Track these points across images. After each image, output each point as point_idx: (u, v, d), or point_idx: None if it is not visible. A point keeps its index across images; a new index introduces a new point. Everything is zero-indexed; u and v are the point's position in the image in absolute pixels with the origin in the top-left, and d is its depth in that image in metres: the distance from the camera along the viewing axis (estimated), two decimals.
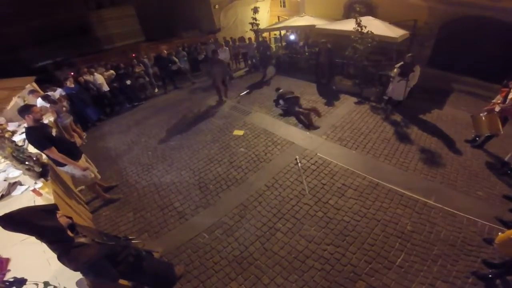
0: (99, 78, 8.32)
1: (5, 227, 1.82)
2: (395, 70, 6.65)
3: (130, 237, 2.76)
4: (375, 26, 7.67)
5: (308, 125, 6.51)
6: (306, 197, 4.46)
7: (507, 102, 4.81)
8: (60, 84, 7.72)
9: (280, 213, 4.24)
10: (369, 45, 7.43)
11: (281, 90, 7.38)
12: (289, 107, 7.00)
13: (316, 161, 5.27)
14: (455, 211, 3.99)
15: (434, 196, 4.25)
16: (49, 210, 2.06)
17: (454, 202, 4.14)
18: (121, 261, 2.40)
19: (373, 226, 3.89)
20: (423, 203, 4.17)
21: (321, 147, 5.71)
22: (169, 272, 3.25)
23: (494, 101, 5.18)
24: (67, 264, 1.99)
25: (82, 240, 2.12)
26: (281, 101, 7.17)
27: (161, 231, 4.21)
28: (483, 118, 4.98)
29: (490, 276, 3.10)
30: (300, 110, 6.81)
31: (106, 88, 8.42)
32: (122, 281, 2.90)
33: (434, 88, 7.88)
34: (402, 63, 6.56)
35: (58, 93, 6.96)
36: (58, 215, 2.05)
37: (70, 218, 2.19)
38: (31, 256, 2.56)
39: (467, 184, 4.51)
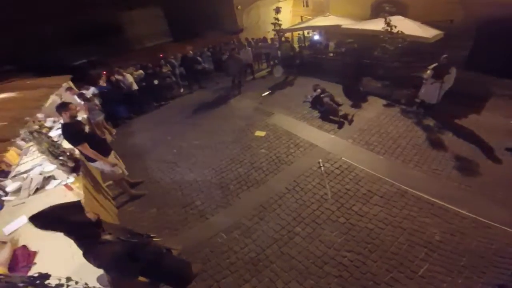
0: (129, 78, 8.70)
1: (37, 225, 1.89)
2: (428, 71, 6.29)
3: (151, 235, 2.82)
4: (405, 25, 7.31)
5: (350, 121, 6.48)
6: (329, 202, 4.33)
7: None
8: (94, 83, 8.17)
9: (300, 217, 4.16)
10: (400, 45, 7.10)
11: (318, 90, 7.29)
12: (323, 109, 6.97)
13: (341, 165, 5.10)
14: (490, 222, 3.68)
15: (468, 206, 3.94)
16: (78, 206, 2.13)
17: (490, 213, 3.82)
18: (141, 258, 2.43)
19: (398, 234, 3.68)
20: (455, 213, 3.89)
21: (347, 151, 5.53)
22: (186, 270, 3.29)
23: None
24: (92, 261, 2.04)
25: (108, 237, 2.19)
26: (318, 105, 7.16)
27: (181, 228, 4.29)
28: None
29: None
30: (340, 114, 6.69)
31: (135, 87, 8.78)
32: (140, 278, 2.97)
33: (471, 92, 7.31)
34: (436, 64, 6.19)
35: (91, 91, 7.37)
36: (86, 211, 2.12)
37: (97, 215, 2.25)
38: (57, 250, 2.60)
39: (505, 195, 4.12)
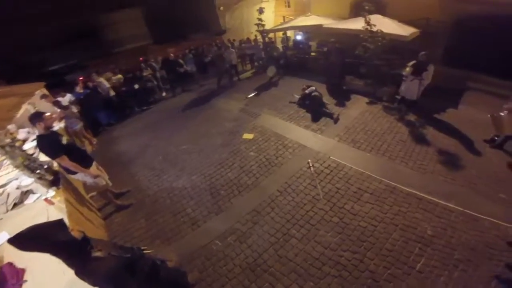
0: (105, 83, 8.36)
1: (19, 247, 1.77)
2: (408, 69, 6.47)
3: (142, 248, 2.74)
4: (384, 24, 7.50)
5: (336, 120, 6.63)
6: (321, 202, 4.35)
7: None
8: (71, 89, 7.78)
9: (294, 218, 4.14)
10: (380, 44, 7.27)
11: (307, 90, 7.37)
12: (312, 105, 7.07)
13: (330, 165, 5.14)
14: (477, 214, 3.83)
15: (454, 199, 4.08)
16: (60, 225, 2.01)
17: (476, 205, 3.97)
18: (138, 272, 2.37)
19: (392, 231, 3.75)
20: (443, 207, 4.01)
21: (334, 149, 5.58)
22: (183, 280, 3.21)
23: None
24: (86, 280, 1.96)
25: (98, 254, 2.08)
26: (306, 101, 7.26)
27: (173, 237, 4.16)
28: (504, 117, 4.79)
29: None
30: (326, 111, 6.87)
31: (112, 93, 8.44)
32: None
33: (448, 87, 7.62)
34: (415, 61, 6.38)
35: (67, 98, 6.99)
36: (70, 229, 2.02)
37: (83, 232, 2.14)
38: (46, 266, 2.50)
39: (488, 186, 4.32)
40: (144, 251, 2.73)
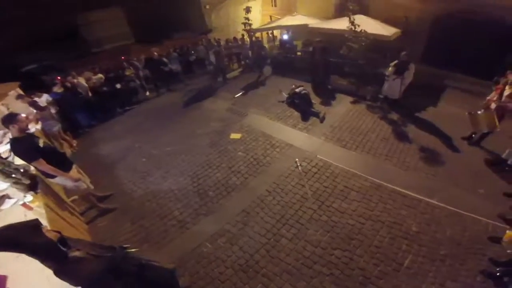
0: (83, 82, 8.05)
1: None
2: (390, 68, 6.65)
3: (125, 246, 2.68)
4: (368, 24, 7.69)
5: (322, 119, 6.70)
6: (309, 201, 4.39)
7: (503, 99, 4.85)
8: (47, 89, 7.42)
9: (283, 218, 4.16)
10: (363, 43, 7.42)
11: (297, 89, 7.41)
12: (301, 104, 7.13)
13: (317, 163, 5.21)
14: (459, 210, 3.99)
15: (437, 196, 4.24)
16: (34, 226, 1.96)
17: (457, 201, 4.14)
18: (123, 272, 2.32)
19: (379, 228, 3.85)
20: (426, 203, 4.16)
21: (321, 148, 5.65)
22: (171, 277, 3.15)
23: (489, 98, 5.22)
24: (66, 280, 1.94)
25: (77, 254, 2.05)
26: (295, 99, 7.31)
27: (162, 241, 4.07)
28: (481, 115, 5.01)
29: (498, 274, 3.11)
30: (313, 111, 6.93)
31: (89, 93, 8.15)
32: None
33: (428, 85, 7.92)
34: (397, 61, 6.56)
35: (44, 98, 6.65)
36: (44, 230, 1.96)
37: (59, 232, 2.08)
38: (29, 273, 2.40)
39: (467, 182, 4.52)
40: (128, 250, 2.66)
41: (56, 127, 6.43)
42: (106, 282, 2.11)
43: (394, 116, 6.73)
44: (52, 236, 1.96)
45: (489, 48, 8.22)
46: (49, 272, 1.96)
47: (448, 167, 4.89)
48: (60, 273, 1.91)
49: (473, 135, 5.55)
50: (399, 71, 6.47)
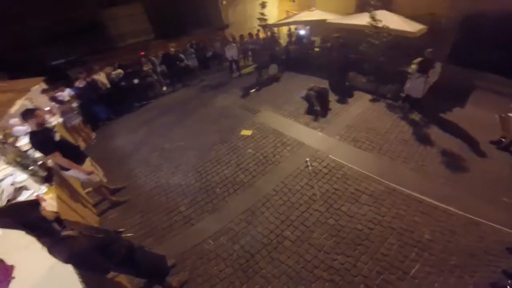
0: (102, 77, 8.33)
1: None
2: (414, 66, 6.27)
3: (120, 230, 2.87)
4: (391, 20, 7.28)
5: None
6: (317, 203, 4.23)
7: None
8: (71, 84, 7.75)
9: (288, 219, 4.04)
10: (385, 40, 7.05)
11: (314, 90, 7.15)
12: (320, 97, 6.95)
13: (328, 164, 5.01)
14: (478, 219, 3.68)
15: (455, 203, 3.92)
16: (32, 203, 2.20)
17: (477, 209, 3.81)
18: (113, 253, 2.47)
19: (388, 234, 3.63)
20: (443, 210, 3.86)
21: (334, 148, 5.44)
22: (161, 263, 3.23)
23: None
24: (57, 256, 2.08)
25: (70, 233, 2.19)
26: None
27: (166, 235, 4.11)
28: None
29: (508, 287, 2.84)
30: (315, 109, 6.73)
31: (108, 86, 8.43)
32: (120, 278, 3.06)
33: (455, 85, 7.37)
34: (421, 59, 6.16)
35: (67, 93, 6.96)
36: (41, 208, 2.15)
37: (56, 212, 2.29)
38: (34, 263, 2.52)
39: (492, 190, 4.13)
40: (123, 234, 2.83)
41: (77, 120, 6.71)
42: (94, 260, 2.26)
43: (416, 116, 6.33)
44: (48, 214, 2.14)
45: None
46: (52, 262, 2.15)
47: (471, 173, 4.51)
48: (53, 250, 2.07)
49: (503, 140, 5.09)
50: (424, 69, 6.07)
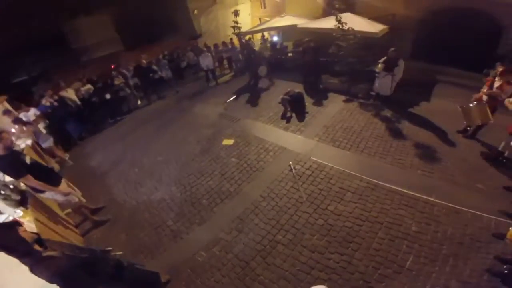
0: (71, 94, 7.94)
1: None
2: (380, 65, 6.62)
3: (107, 249, 2.77)
4: (355, 22, 7.64)
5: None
6: (304, 205, 4.30)
7: (493, 91, 4.83)
8: (36, 102, 7.29)
9: (279, 224, 4.06)
10: (352, 41, 7.38)
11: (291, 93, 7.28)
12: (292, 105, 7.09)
13: (311, 166, 5.12)
14: (458, 207, 3.88)
15: (434, 193, 4.15)
16: (9, 226, 2.24)
17: (456, 198, 4.04)
18: (100, 272, 2.44)
19: (377, 229, 3.76)
20: (424, 201, 4.06)
21: (314, 150, 5.57)
22: (154, 280, 3.18)
23: (482, 90, 5.18)
24: (39, 275, 2.08)
25: (51, 253, 2.20)
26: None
27: (156, 251, 4.01)
28: (473, 108, 4.97)
29: (505, 272, 2.99)
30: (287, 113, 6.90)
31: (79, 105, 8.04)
32: None
33: (419, 81, 7.90)
34: (386, 58, 6.52)
35: (32, 113, 6.52)
36: (20, 230, 2.20)
37: (37, 234, 2.38)
38: (20, 284, 2.44)
39: (465, 177, 4.42)
40: (111, 253, 2.76)
41: (49, 141, 6.31)
42: (79, 279, 2.23)
43: (387, 113, 6.67)
44: (27, 236, 2.20)
45: (478, 41, 8.27)
46: (41, 284, 2.14)
47: (445, 163, 4.81)
48: (34, 270, 2.08)
49: (468, 128, 5.51)
50: (389, 67, 6.44)
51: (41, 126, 6.37)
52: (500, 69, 4.98)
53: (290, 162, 5.23)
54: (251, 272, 3.48)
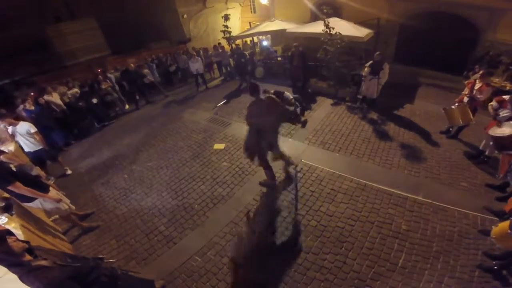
0: (56, 98, 7.73)
1: None
2: (366, 69, 6.82)
3: (100, 256, 2.70)
4: (342, 27, 7.86)
5: None
6: (297, 207, 4.36)
7: (474, 93, 5.08)
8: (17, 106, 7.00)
9: (272, 226, 4.08)
10: (339, 46, 7.57)
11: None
12: None
13: (302, 168, 5.20)
14: (445, 205, 4.06)
15: (422, 192, 4.32)
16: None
17: (442, 196, 4.23)
18: (92, 282, 2.36)
19: (368, 229, 3.86)
20: (412, 200, 4.22)
21: (305, 152, 5.67)
22: (149, 287, 3.13)
23: (463, 93, 5.43)
24: (30, 285, 2.03)
25: (42, 263, 2.12)
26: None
27: (149, 257, 3.93)
28: (455, 110, 5.21)
29: (495, 267, 3.12)
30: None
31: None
32: None
33: (403, 83, 8.20)
34: (372, 61, 6.74)
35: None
36: (10, 240, 2.08)
37: (27, 242, 2.22)
38: None
39: (450, 176, 4.65)
40: (104, 261, 2.68)
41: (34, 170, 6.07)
42: None
43: (374, 115, 6.89)
44: (17, 246, 2.08)
45: (457, 44, 8.67)
46: None
47: (430, 163, 5.02)
48: (24, 280, 2.02)
49: (451, 129, 5.76)
50: (375, 71, 6.65)
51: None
52: (481, 72, 5.26)
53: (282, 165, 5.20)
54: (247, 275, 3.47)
